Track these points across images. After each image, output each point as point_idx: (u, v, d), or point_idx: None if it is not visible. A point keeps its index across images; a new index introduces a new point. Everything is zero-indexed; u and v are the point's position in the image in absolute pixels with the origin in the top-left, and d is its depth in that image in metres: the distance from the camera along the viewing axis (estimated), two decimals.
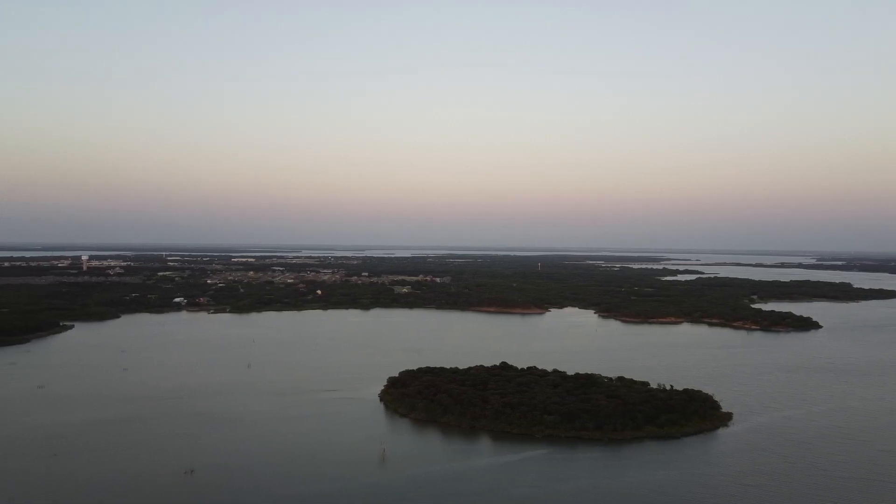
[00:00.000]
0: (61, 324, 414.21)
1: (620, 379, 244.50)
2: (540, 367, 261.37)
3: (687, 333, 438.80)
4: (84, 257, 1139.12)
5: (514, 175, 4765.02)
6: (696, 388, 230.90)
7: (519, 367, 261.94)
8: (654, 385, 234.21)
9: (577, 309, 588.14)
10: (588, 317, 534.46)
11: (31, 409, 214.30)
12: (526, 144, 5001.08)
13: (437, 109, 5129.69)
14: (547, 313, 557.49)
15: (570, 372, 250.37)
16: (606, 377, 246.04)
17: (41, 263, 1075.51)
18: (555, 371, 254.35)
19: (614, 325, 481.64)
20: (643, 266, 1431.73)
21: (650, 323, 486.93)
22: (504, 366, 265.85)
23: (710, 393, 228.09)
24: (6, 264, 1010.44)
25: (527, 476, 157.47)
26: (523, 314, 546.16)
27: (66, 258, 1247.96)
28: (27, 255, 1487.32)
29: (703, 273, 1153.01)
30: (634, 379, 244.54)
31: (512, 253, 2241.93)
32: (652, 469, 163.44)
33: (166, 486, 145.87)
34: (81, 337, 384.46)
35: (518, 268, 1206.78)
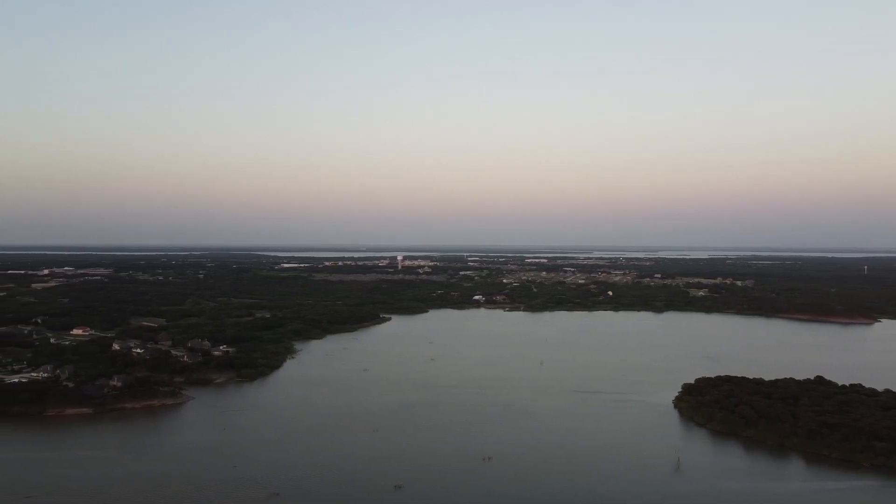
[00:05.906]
0: (381, 316, 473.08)
1: None
2: (867, 386, 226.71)
3: None
4: (399, 257, 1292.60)
5: (823, 167, 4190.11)
6: None
7: (839, 384, 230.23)
8: None
9: None
10: None
11: (358, 388, 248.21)
12: (840, 140, 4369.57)
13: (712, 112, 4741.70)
14: (876, 324, 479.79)
15: None
16: None
17: (366, 263, 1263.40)
18: (887, 391, 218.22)
19: None
20: None
21: None
22: (820, 380, 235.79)
23: None
24: (340, 263, 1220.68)
25: None
26: (844, 324, 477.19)
27: (385, 258, 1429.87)
28: (356, 255, 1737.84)
29: None
30: None
31: (828, 255, 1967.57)
32: None
33: (467, 469, 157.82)
34: (397, 328, 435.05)
35: (837, 271, 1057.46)
